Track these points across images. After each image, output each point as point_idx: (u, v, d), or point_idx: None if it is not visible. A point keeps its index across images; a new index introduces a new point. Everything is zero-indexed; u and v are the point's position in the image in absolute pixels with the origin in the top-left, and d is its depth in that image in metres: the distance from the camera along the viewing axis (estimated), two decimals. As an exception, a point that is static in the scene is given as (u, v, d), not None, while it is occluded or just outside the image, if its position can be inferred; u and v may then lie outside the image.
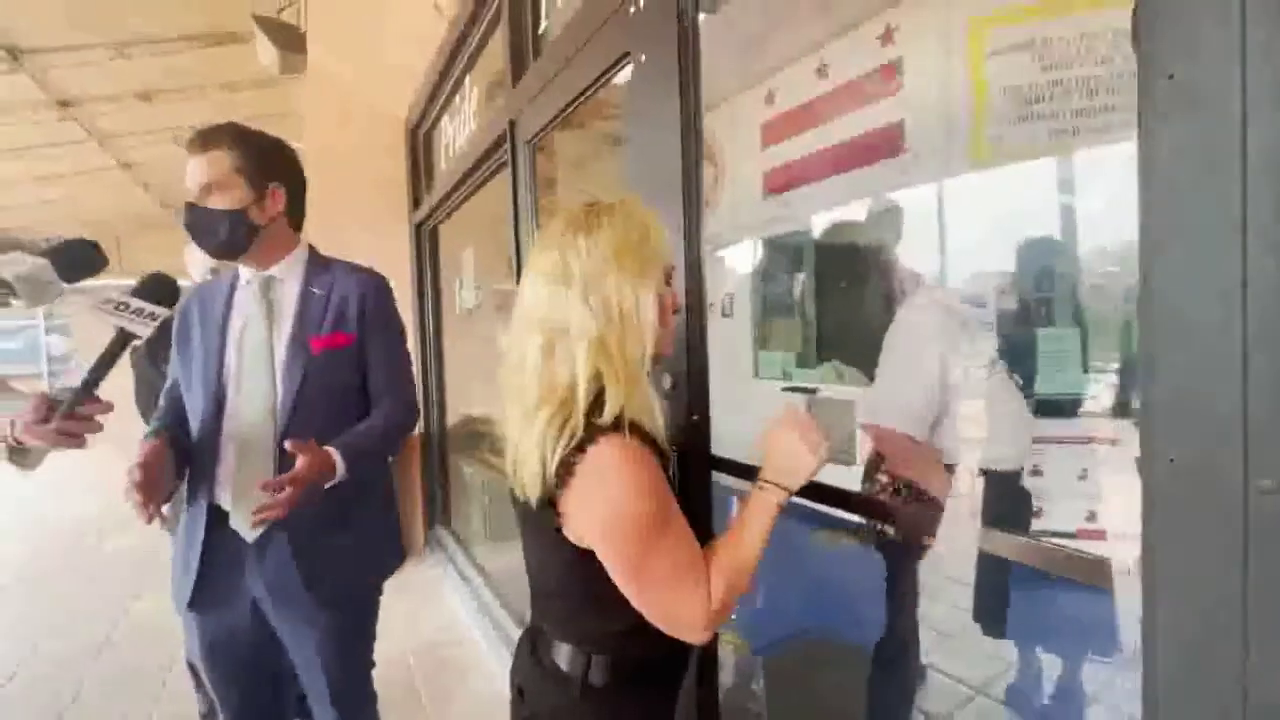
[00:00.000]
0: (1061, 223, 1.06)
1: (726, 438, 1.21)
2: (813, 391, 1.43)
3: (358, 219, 3.52)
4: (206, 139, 1.18)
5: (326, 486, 1.15)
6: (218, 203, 1.18)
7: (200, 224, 1.19)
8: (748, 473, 1.20)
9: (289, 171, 1.29)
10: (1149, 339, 0.58)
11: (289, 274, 1.29)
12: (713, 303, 1.42)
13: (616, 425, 0.73)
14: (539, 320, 0.78)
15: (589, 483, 0.72)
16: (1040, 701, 1.31)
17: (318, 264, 1.33)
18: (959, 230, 1.16)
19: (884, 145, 1.16)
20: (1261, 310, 0.51)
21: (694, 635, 0.77)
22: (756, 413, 1.27)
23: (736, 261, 1.43)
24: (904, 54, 1.14)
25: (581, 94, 1.55)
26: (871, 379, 1.34)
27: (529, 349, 0.78)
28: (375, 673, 1.42)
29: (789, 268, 1.58)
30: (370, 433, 1.25)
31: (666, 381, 1.26)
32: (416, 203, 3.72)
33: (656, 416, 0.79)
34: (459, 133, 2.94)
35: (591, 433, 0.72)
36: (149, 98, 4.64)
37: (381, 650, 1.43)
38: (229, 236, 1.19)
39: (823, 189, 1.31)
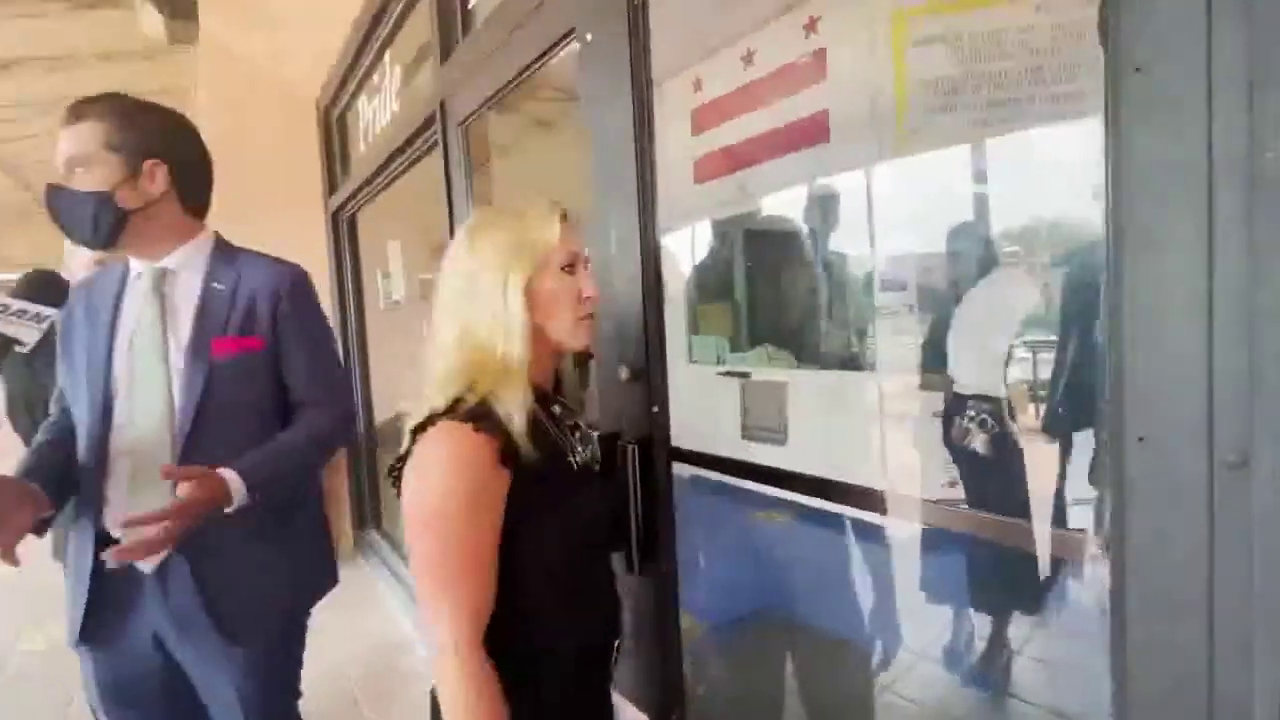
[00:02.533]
0: (975, 207, 1.10)
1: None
2: (746, 376, 1.45)
3: (265, 206, 3.24)
4: (79, 109, 1.03)
5: (228, 512, 1.01)
6: (82, 183, 1.03)
7: (61, 208, 1.04)
8: (711, 464, 1.21)
9: (177, 147, 1.12)
10: (1117, 323, 0.60)
11: (187, 266, 1.13)
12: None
13: (469, 415, 0.73)
14: (434, 321, 0.81)
15: (415, 460, 0.74)
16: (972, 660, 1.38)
17: (224, 255, 1.17)
18: (883, 216, 1.19)
19: (810, 133, 1.17)
20: (1226, 294, 0.53)
21: (441, 660, 0.72)
22: (691, 398, 1.28)
23: (669, 247, 1.45)
24: (828, 43, 1.14)
25: (521, 73, 1.48)
26: (801, 362, 1.37)
27: (429, 346, 0.82)
28: (313, 690, 1.33)
29: (721, 253, 1.59)
30: (282, 450, 1.11)
31: (624, 372, 1.24)
32: (332, 189, 3.48)
33: (519, 419, 0.74)
34: (379, 114, 2.76)
35: (436, 418, 0.74)
36: (8, 68, 4.09)
37: (317, 665, 1.34)
38: (93, 223, 1.04)
39: (752, 175, 1.32)
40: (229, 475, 1.01)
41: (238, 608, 1.09)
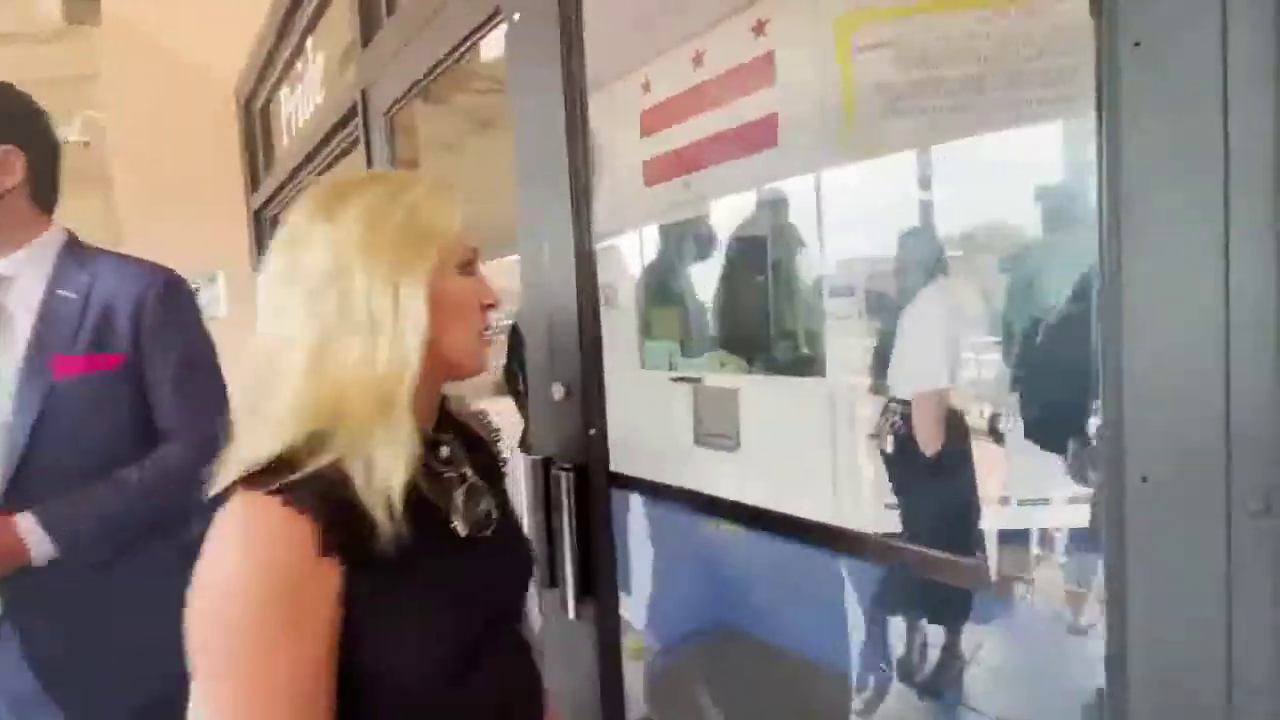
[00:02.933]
0: (921, 213, 1.11)
1: (617, 432, 1.13)
2: (698, 381, 1.40)
3: (180, 204, 2.98)
4: None
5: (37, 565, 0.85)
6: None
7: None
8: (652, 491, 1.10)
9: (30, 132, 0.97)
10: (1114, 342, 0.51)
11: (27, 270, 0.97)
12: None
13: (283, 484, 0.51)
14: (263, 336, 0.57)
15: (204, 547, 0.51)
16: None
17: (75, 257, 1.00)
18: (831, 221, 1.19)
19: (759, 136, 1.16)
20: (1247, 308, 0.45)
21: None
22: (643, 405, 1.22)
23: (620, 252, 1.38)
24: (776, 46, 1.13)
25: (445, 58, 1.34)
26: (752, 367, 1.36)
27: (251, 374, 0.58)
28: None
29: (671, 257, 1.57)
30: (110, 492, 0.92)
31: (558, 391, 1.11)
32: (255, 185, 3.24)
33: (399, 478, 0.53)
34: (302, 105, 2.56)
35: (240, 484, 0.52)
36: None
37: None
38: None
39: (702, 178, 1.30)
40: (24, 521, 0.84)
41: (87, 687, 0.90)
